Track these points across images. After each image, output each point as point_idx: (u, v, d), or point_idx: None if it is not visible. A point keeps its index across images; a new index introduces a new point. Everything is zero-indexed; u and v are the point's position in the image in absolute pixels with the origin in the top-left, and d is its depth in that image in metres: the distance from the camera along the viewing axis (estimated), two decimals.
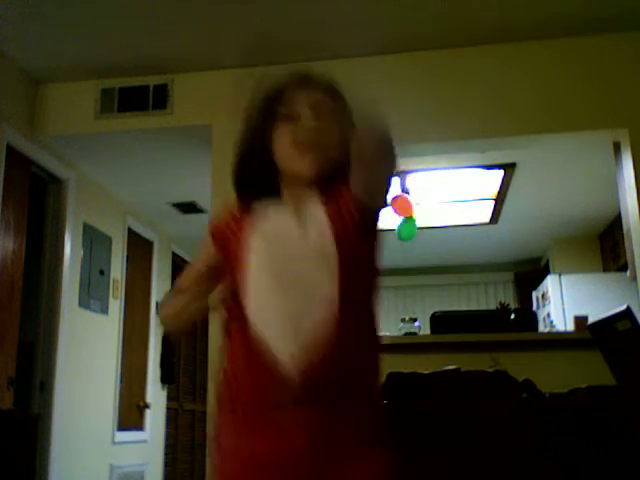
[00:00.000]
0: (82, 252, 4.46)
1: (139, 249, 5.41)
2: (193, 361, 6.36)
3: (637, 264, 3.45)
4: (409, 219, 4.84)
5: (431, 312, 3.58)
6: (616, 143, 3.61)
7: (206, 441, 3.45)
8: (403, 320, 3.81)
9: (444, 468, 1.90)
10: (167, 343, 5.77)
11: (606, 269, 6.17)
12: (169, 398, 5.80)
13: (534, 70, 3.63)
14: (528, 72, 3.63)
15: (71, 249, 4.26)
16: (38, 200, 4.11)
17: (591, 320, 2.24)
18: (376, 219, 1.25)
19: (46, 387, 3.97)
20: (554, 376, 2.40)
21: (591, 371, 2.26)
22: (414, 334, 3.68)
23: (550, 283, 5.78)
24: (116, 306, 4.91)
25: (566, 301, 5.62)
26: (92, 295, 4.57)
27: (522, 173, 4.86)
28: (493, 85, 3.65)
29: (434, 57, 3.70)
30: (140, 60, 3.80)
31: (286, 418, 1.10)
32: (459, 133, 3.63)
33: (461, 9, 3.38)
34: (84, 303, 4.45)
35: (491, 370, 2.19)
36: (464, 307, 7.41)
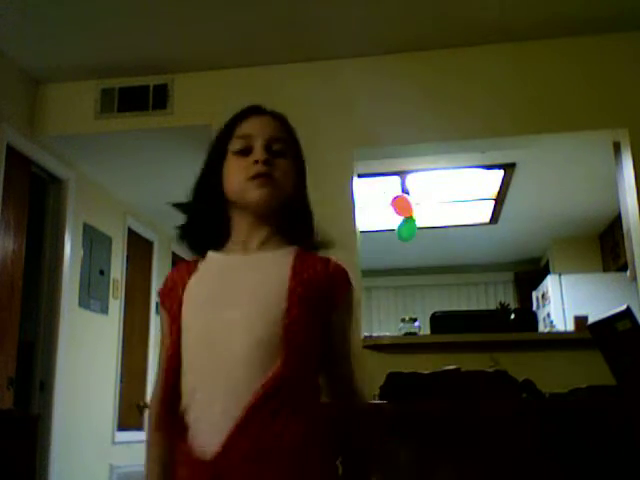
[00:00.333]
0: (82, 252, 4.46)
1: (139, 249, 5.41)
2: None
3: (637, 264, 3.45)
4: (409, 219, 4.85)
5: (431, 312, 3.57)
6: (616, 143, 3.61)
7: None
8: (403, 320, 3.81)
9: (444, 468, 1.90)
10: None
11: (606, 269, 6.18)
12: None
13: (534, 70, 3.63)
14: (528, 72, 3.64)
15: (71, 249, 4.26)
16: (38, 200, 4.11)
17: (591, 320, 2.25)
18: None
19: (46, 387, 3.97)
20: (554, 376, 2.40)
21: (591, 371, 2.26)
22: (414, 334, 3.68)
23: (550, 283, 5.78)
24: (116, 306, 4.91)
25: (566, 301, 5.62)
26: (92, 295, 4.57)
27: (522, 173, 4.86)
28: (493, 85, 3.65)
29: (434, 57, 3.70)
30: (140, 60, 3.80)
31: None
32: (459, 133, 3.64)
33: (461, 9, 3.38)
34: (84, 303, 4.45)
35: (491, 370, 2.19)
36: (464, 307, 7.41)
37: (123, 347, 4.96)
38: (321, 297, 1.14)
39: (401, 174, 4.73)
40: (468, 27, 3.54)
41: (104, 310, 4.73)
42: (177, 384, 1.11)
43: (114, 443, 4.77)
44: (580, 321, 3.85)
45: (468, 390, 2.07)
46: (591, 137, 3.69)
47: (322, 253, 1.22)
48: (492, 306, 6.83)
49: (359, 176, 3.78)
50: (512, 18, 3.47)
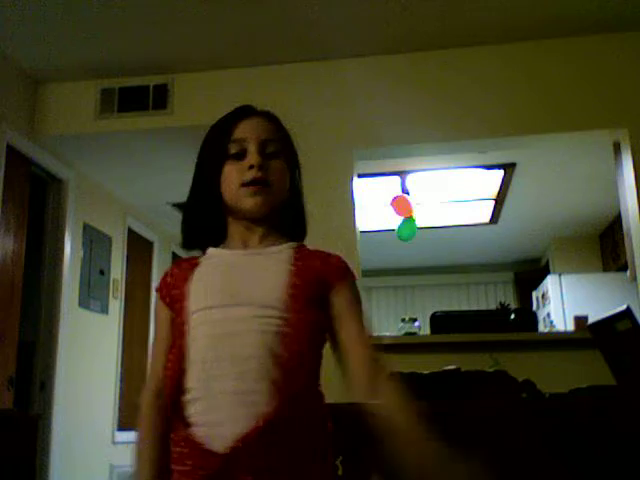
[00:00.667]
0: (82, 252, 4.46)
1: (139, 249, 5.41)
2: None
3: (637, 264, 3.45)
4: (409, 219, 4.85)
5: (431, 312, 3.57)
6: (616, 143, 3.61)
7: None
8: (403, 320, 3.81)
9: (444, 468, 1.90)
10: None
11: (606, 269, 6.18)
12: None
13: (534, 70, 3.63)
14: (528, 72, 3.64)
15: (71, 249, 4.26)
16: (38, 200, 4.11)
17: (591, 320, 2.24)
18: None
19: (46, 387, 3.97)
20: (554, 376, 2.40)
21: (591, 371, 2.26)
22: (414, 334, 3.68)
23: (550, 283, 5.78)
24: (116, 306, 4.91)
25: (566, 301, 5.62)
26: (92, 295, 4.57)
27: (522, 173, 4.86)
28: (493, 85, 3.65)
29: (434, 57, 3.71)
30: (140, 60, 3.80)
31: None
32: (459, 133, 3.64)
33: (461, 9, 3.38)
34: (84, 303, 4.45)
35: (491, 370, 2.19)
36: (464, 307, 7.42)
37: (123, 347, 4.96)
38: (319, 286, 1.15)
39: (401, 174, 4.73)
40: (468, 27, 3.54)
41: (104, 310, 4.73)
42: (182, 377, 1.12)
43: (114, 443, 4.77)
44: (580, 321, 3.85)
45: (468, 390, 2.07)
46: (591, 137, 3.69)
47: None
48: (492, 306, 6.84)
49: (359, 176, 3.78)
50: (512, 18, 3.47)
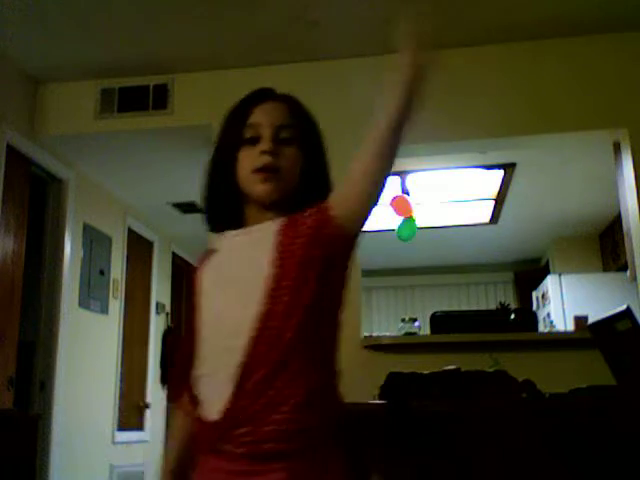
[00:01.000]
0: (82, 252, 4.46)
1: (139, 249, 5.41)
2: None
3: (637, 264, 3.45)
4: (409, 219, 4.85)
5: (431, 312, 3.57)
6: (616, 143, 3.61)
7: None
8: (403, 320, 3.81)
9: (444, 468, 1.90)
10: (167, 343, 5.77)
11: (606, 269, 6.18)
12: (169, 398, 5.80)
13: (534, 70, 3.63)
14: (528, 72, 3.63)
15: (71, 249, 4.26)
16: (38, 200, 4.11)
17: (591, 320, 2.25)
18: (353, 240, 1.23)
19: (46, 387, 3.97)
20: (554, 376, 2.40)
21: (591, 371, 2.26)
22: (414, 334, 3.68)
23: (550, 283, 5.78)
24: (116, 306, 4.91)
25: (566, 301, 5.62)
26: (92, 295, 4.57)
27: (522, 173, 4.86)
28: (493, 85, 3.65)
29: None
30: (140, 60, 3.80)
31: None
32: (459, 133, 3.63)
33: (461, 9, 3.38)
34: (84, 303, 4.45)
35: (491, 370, 2.19)
36: (464, 307, 7.42)
37: (123, 347, 4.96)
38: (317, 240, 1.14)
39: (401, 174, 4.73)
40: (468, 27, 3.54)
41: (104, 310, 4.73)
42: (191, 357, 1.17)
43: (114, 443, 4.77)
44: (580, 321, 3.85)
45: (468, 390, 2.07)
46: (591, 137, 3.69)
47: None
48: (492, 306, 6.84)
49: None
50: (512, 18, 3.47)
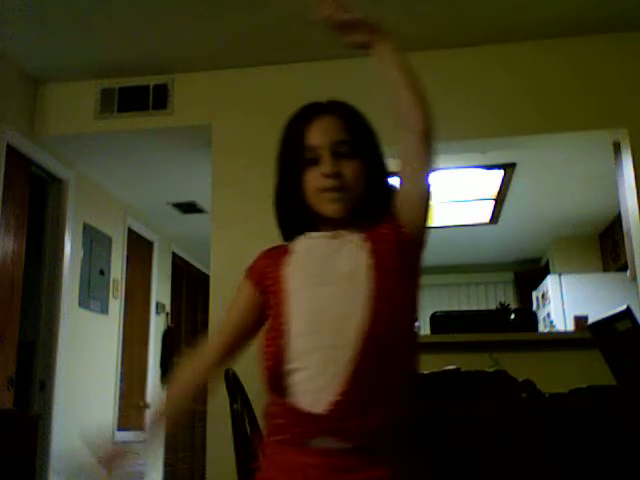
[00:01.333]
0: (82, 252, 4.46)
1: (139, 249, 5.41)
2: None
3: (637, 264, 3.45)
4: None
5: (431, 312, 3.57)
6: (616, 143, 3.61)
7: (206, 441, 3.44)
8: None
9: (444, 468, 1.90)
10: (167, 343, 5.77)
11: (606, 269, 6.18)
12: None
13: (534, 70, 3.63)
14: (528, 72, 3.63)
15: (71, 249, 4.26)
16: (38, 200, 4.11)
17: (591, 320, 2.24)
18: (419, 248, 1.35)
19: (46, 387, 3.97)
20: (554, 376, 2.40)
21: (591, 371, 2.26)
22: None
23: (550, 283, 5.78)
24: (116, 306, 4.91)
25: (566, 301, 5.62)
26: (92, 295, 4.57)
27: (522, 173, 4.86)
28: (493, 85, 3.64)
29: (434, 57, 3.70)
30: (140, 60, 3.80)
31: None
32: (459, 133, 3.63)
33: (460, 9, 3.38)
34: (84, 303, 4.45)
35: (491, 370, 2.19)
36: (464, 307, 7.41)
37: (123, 347, 4.96)
38: (399, 245, 1.27)
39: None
40: (467, 27, 3.54)
41: (104, 310, 4.73)
42: (284, 350, 1.20)
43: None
44: (580, 321, 3.85)
45: (468, 390, 2.07)
46: (591, 137, 3.69)
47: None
48: (492, 306, 6.84)
49: None
50: (512, 18, 3.47)
